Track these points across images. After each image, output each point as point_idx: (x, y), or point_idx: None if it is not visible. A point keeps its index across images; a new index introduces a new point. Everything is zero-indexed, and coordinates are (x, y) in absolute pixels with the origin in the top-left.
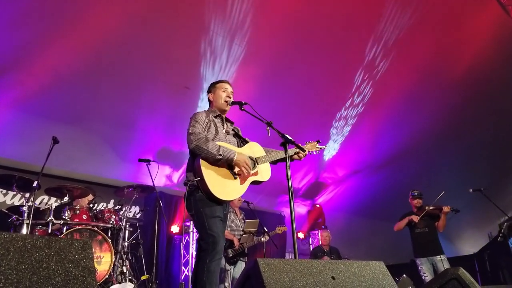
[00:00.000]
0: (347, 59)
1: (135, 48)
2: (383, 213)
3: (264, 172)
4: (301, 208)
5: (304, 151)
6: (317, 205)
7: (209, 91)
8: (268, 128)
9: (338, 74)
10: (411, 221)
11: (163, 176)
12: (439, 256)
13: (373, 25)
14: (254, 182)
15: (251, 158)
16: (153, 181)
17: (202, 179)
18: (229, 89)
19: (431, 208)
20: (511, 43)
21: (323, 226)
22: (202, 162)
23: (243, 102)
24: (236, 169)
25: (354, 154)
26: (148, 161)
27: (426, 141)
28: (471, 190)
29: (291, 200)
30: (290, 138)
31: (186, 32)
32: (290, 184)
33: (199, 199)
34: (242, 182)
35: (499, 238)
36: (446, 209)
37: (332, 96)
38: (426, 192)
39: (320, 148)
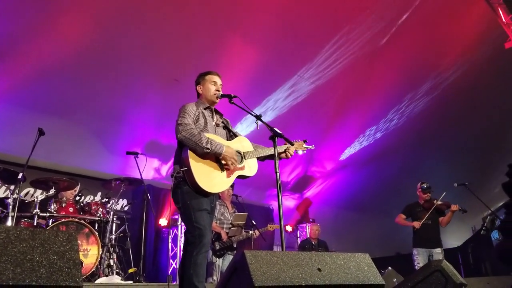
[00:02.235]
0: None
1: (124, 39)
2: (371, 206)
3: (251, 167)
4: (289, 202)
5: (292, 144)
6: (309, 199)
7: (198, 83)
8: (257, 121)
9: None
10: (413, 228)
11: (151, 169)
12: (438, 249)
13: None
14: (241, 177)
15: (239, 152)
16: (141, 174)
17: (189, 170)
18: (219, 82)
19: (439, 203)
20: (496, 40)
21: (311, 219)
22: (190, 153)
23: (233, 95)
24: (223, 162)
25: (341, 149)
26: (136, 153)
27: (412, 136)
28: (455, 184)
29: (279, 194)
30: (279, 131)
31: (175, 22)
32: (278, 178)
33: (186, 192)
34: (228, 175)
35: (482, 231)
36: (454, 207)
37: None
38: (412, 185)
39: (307, 147)
